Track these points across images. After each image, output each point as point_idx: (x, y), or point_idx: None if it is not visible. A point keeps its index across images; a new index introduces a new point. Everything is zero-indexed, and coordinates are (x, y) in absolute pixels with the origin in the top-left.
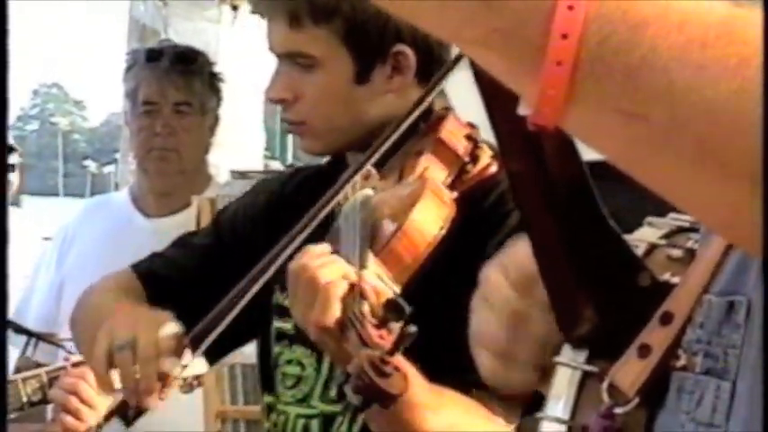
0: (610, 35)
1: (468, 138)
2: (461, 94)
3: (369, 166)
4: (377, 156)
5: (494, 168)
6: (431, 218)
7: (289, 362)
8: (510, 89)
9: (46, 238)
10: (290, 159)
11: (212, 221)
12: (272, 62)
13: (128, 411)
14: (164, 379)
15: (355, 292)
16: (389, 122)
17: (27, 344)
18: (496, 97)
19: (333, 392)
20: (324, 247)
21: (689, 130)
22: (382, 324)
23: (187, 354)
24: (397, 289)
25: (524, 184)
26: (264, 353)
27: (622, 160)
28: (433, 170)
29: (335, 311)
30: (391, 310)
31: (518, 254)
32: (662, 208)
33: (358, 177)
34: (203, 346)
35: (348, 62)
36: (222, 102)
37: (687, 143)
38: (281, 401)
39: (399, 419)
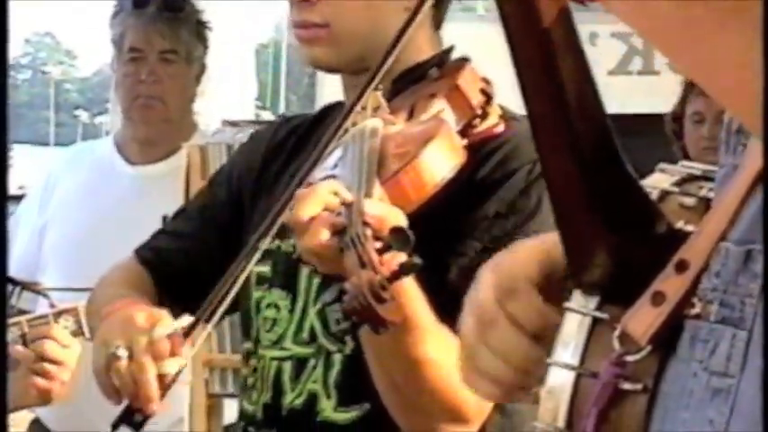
0: None
1: (483, 92)
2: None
3: (379, 95)
4: (379, 77)
5: (500, 128)
6: (443, 158)
7: (267, 306)
8: (532, 22)
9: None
10: (281, 109)
11: (208, 182)
12: (263, 13)
13: (134, 417)
14: (163, 382)
15: (356, 215)
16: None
17: (12, 293)
18: (521, 39)
19: (305, 334)
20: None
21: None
22: (384, 251)
23: (186, 349)
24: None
25: (546, 125)
26: (244, 299)
27: (670, 42)
28: (446, 115)
29: (322, 233)
30: (396, 237)
31: (511, 258)
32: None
33: (368, 105)
34: (218, 314)
35: None
36: (209, 51)
37: (750, 21)
38: (261, 346)
39: (399, 341)
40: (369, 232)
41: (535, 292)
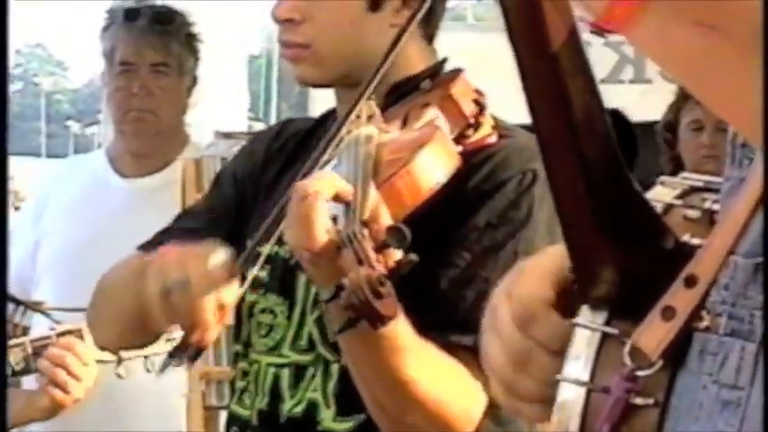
0: None
1: (476, 102)
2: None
3: (372, 104)
4: (372, 87)
5: (492, 139)
6: (438, 163)
7: (262, 311)
8: (541, 43)
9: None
10: (273, 120)
11: (212, 183)
12: (254, 23)
13: (188, 351)
14: (222, 311)
15: (353, 213)
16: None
17: (15, 311)
18: (531, 62)
19: (303, 342)
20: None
21: None
22: (380, 249)
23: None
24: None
25: (554, 143)
26: (237, 302)
27: (688, 72)
28: (439, 123)
29: (320, 227)
30: (393, 235)
31: (522, 285)
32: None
33: (363, 113)
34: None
35: None
36: (201, 63)
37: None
38: (255, 350)
39: (381, 361)
40: (366, 230)
41: (554, 313)
